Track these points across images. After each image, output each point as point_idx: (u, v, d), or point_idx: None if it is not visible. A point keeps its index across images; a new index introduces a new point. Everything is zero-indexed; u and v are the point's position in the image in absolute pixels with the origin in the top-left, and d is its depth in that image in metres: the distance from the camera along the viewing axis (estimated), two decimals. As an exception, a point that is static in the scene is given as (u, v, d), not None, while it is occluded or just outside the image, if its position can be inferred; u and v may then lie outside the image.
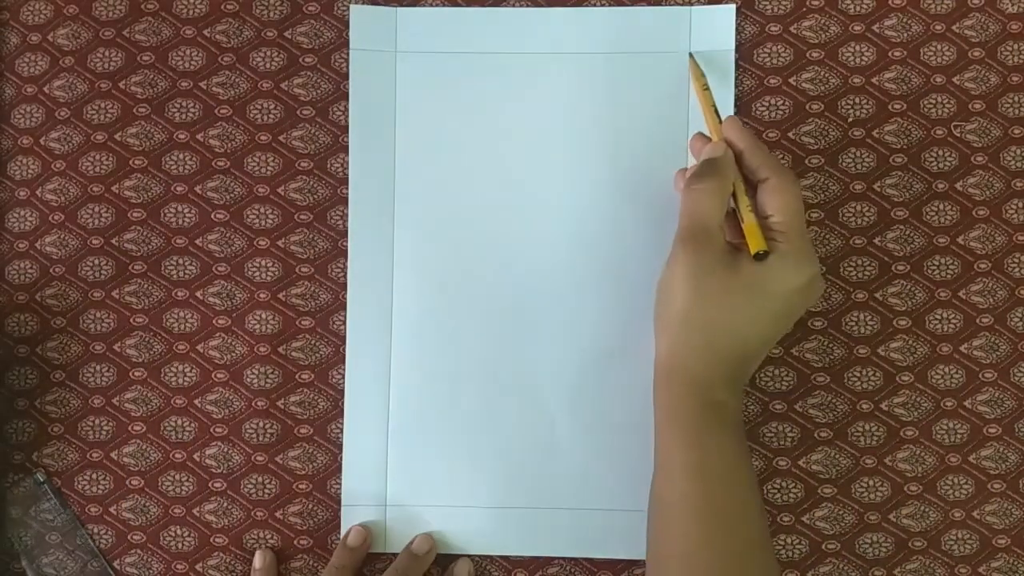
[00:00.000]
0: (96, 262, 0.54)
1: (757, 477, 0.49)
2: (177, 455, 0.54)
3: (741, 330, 0.46)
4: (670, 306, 0.46)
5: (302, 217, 0.55)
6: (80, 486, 0.54)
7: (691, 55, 0.54)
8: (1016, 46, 0.54)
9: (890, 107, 0.54)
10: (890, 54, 0.55)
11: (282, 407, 0.54)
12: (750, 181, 0.48)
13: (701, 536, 0.45)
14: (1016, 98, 0.54)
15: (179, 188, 0.55)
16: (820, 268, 0.46)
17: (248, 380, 0.54)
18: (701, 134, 0.51)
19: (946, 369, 0.53)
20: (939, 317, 0.54)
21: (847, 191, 0.54)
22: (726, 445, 0.46)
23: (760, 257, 0.45)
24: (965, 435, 0.53)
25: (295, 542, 0.54)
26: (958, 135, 0.54)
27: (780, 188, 0.46)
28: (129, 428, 0.54)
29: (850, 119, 0.54)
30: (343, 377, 0.54)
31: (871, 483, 0.53)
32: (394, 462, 0.53)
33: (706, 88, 0.51)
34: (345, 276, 0.54)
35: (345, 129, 0.55)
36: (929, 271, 0.54)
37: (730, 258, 0.46)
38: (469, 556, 0.53)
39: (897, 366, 0.53)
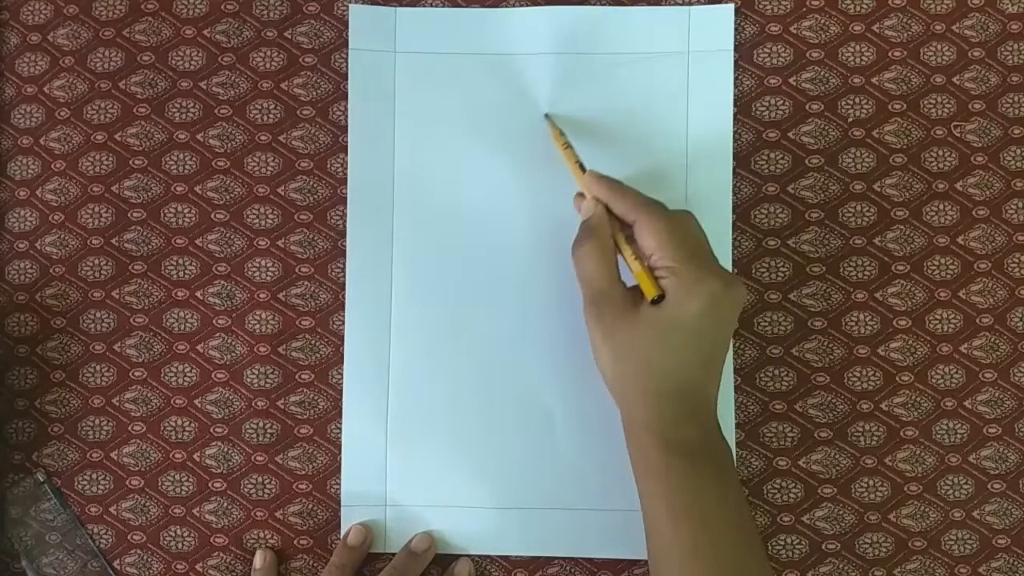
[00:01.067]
0: (96, 262, 0.55)
1: (744, 496, 0.49)
2: (177, 455, 0.54)
3: (670, 369, 0.46)
4: (602, 369, 0.47)
5: (302, 217, 0.55)
6: (80, 486, 0.54)
7: (547, 116, 0.54)
8: (1016, 46, 0.54)
9: (890, 107, 0.54)
10: (890, 54, 0.55)
11: (282, 407, 0.54)
12: (628, 226, 0.48)
13: (691, 568, 0.46)
14: (1016, 98, 0.54)
15: (179, 188, 0.55)
16: (722, 279, 0.45)
17: (248, 380, 0.54)
18: (579, 193, 0.51)
19: (946, 369, 0.53)
20: (939, 317, 0.54)
21: (847, 191, 0.54)
22: (696, 478, 0.46)
23: (657, 301, 0.46)
24: (965, 435, 0.53)
25: (295, 542, 0.54)
26: (958, 135, 0.54)
27: (647, 226, 0.46)
28: (129, 428, 0.54)
29: (850, 119, 0.54)
30: (343, 377, 0.54)
31: (871, 483, 0.53)
32: (394, 462, 0.53)
33: (567, 146, 0.51)
34: (345, 276, 0.54)
35: (345, 129, 0.55)
36: (929, 271, 0.54)
37: (633, 309, 0.46)
38: (469, 556, 0.53)
39: (897, 366, 0.53)
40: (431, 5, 0.55)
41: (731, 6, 0.54)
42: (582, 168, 0.50)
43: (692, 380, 0.46)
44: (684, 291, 0.45)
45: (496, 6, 0.55)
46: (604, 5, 0.55)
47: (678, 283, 0.45)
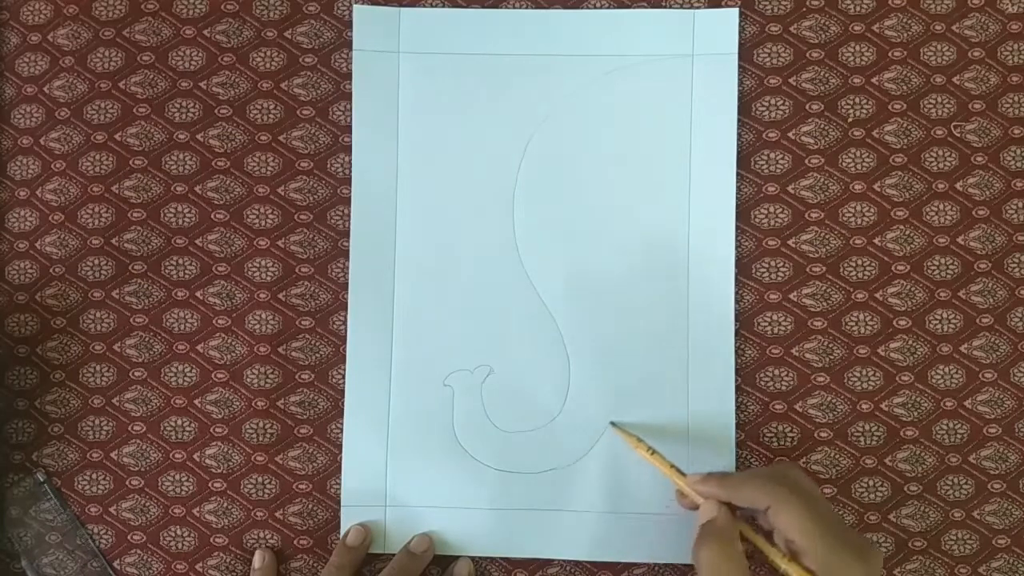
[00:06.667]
0: (96, 262, 0.54)
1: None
2: (177, 455, 0.54)
3: None
4: None
5: (302, 217, 0.55)
6: (80, 486, 0.54)
7: (612, 424, 0.53)
8: (1016, 46, 0.54)
9: (890, 107, 0.54)
10: (890, 54, 0.55)
11: (282, 407, 0.54)
12: (758, 514, 0.46)
13: None
14: (1016, 98, 0.54)
15: (179, 188, 0.55)
16: (867, 559, 0.43)
17: (248, 380, 0.54)
18: (679, 491, 0.49)
19: (946, 369, 0.53)
20: (939, 317, 0.54)
21: (847, 191, 0.54)
22: None
23: None
24: (965, 435, 0.53)
25: (295, 542, 0.54)
26: (958, 135, 0.54)
27: (781, 510, 0.44)
28: (129, 428, 0.54)
29: (850, 119, 0.54)
30: (343, 377, 0.54)
31: (871, 483, 0.53)
32: (394, 462, 0.53)
33: (652, 452, 0.50)
34: (345, 276, 0.54)
35: (345, 129, 0.55)
36: (929, 271, 0.54)
37: None
38: (469, 556, 0.53)
39: (897, 366, 0.53)
40: (432, 5, 0.55)
41: (736, 9, 0.54)
42: (680, 471, 0.49)
43: None
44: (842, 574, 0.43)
45: (496, 6, 0.55)
46: (607, 7, 0.55)
47: (831, 564, 0.43)
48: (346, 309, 0.54)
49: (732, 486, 0.47)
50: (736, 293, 0.53)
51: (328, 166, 0.55)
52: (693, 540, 0.46)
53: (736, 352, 0.53)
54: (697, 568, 0.45)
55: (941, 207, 0.54)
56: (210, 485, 0.54)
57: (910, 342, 0.54)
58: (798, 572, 0.44)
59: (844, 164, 0.54)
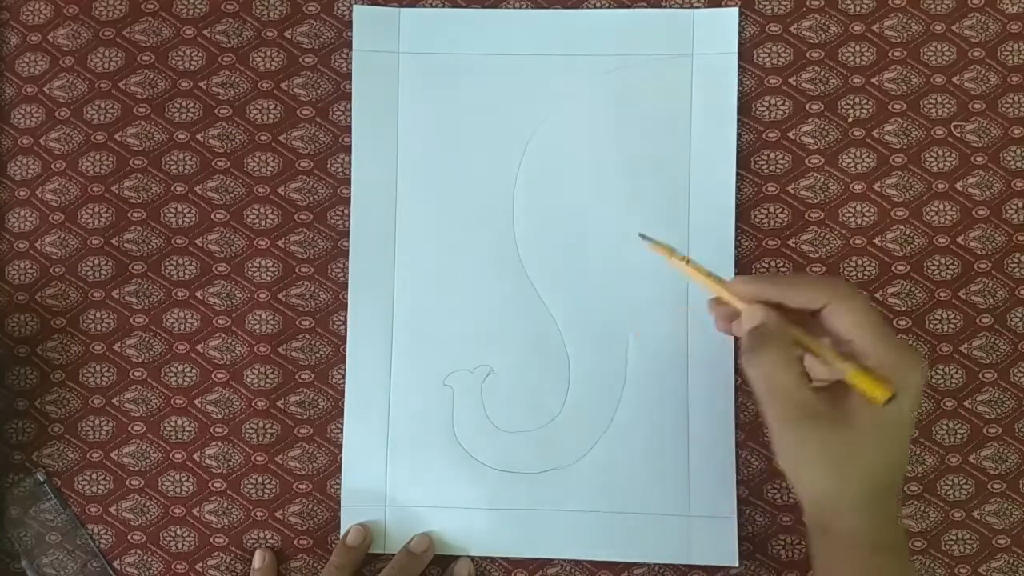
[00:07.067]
0: (96, 262, 0.54)
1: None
2: (177, 455, 0.54)
3: (888, 470, 0.42)
4: (811, 486, 0.42)
5: (302, 217, 0.55)
6: (80, 486, 0.54)
7: (641, 235, 0.47)
8: (1016, 46, 0.54)
9: (890, 107, 0.54)
10: (890, 54, 0.55)
11: (282, 407, 0.54)
12: (806, 314, 0.42)
13: None
14: (1016, 98, 0.54)
15: (179, 188, 0.55)
16: (916, 359, 0.41)
17: (248, 380, 0.54)
18: (716, 299, 0.46)
19: (946, 369, 0.53)
20: (939, 317, 0.54)
21: (847, 191, 0.54)
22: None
23: (891, 401, 0.40)
24: (965, 435, 0.53)
25: (295, 542, 0.54)
26: (958, 135, 0.54)
27: (842, 307, 0.41)
28: (129, 428, 0.54)
29: (850, 119, 0.54)
30: (343, 377, 0.54)
31: (871, 483, 0.53)
32: (394, 462, 0.53)
33: (688, 261, 0.45)
34: (345, 276, 0.54)
35: (345, 129, 0.55)
36: (929, 271, 0.54)
37: (842, 416, 0.40)
38: (469, 556, 0.53)
39: (897, 366, 0.53)
40: (432, 5, 0.55)
41: (735, 9, 0.54)
42: (719, 279, 0.45)
43: (902, 474, 0.43)
44: (903, 373, 0.40)
45: (496, 6, 0.55)
46: (607, 7, 0.55)
47: (893, 363, 0.40)
48: (346, 309, 0.54)
49: (786, 284, 0.43)
50: (736, 293, 0.53)
51: (328, 166, 0.55)
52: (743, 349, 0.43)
53: (736, 351, 0.53)
54: (749, 381, 0.41)
55: (941, 207, 0.54)
56: (210, 485, 0.54)
57: (910, 342, 0.54)
58: (855, 372, 0.40)
59: (844, 164, 0.54)
